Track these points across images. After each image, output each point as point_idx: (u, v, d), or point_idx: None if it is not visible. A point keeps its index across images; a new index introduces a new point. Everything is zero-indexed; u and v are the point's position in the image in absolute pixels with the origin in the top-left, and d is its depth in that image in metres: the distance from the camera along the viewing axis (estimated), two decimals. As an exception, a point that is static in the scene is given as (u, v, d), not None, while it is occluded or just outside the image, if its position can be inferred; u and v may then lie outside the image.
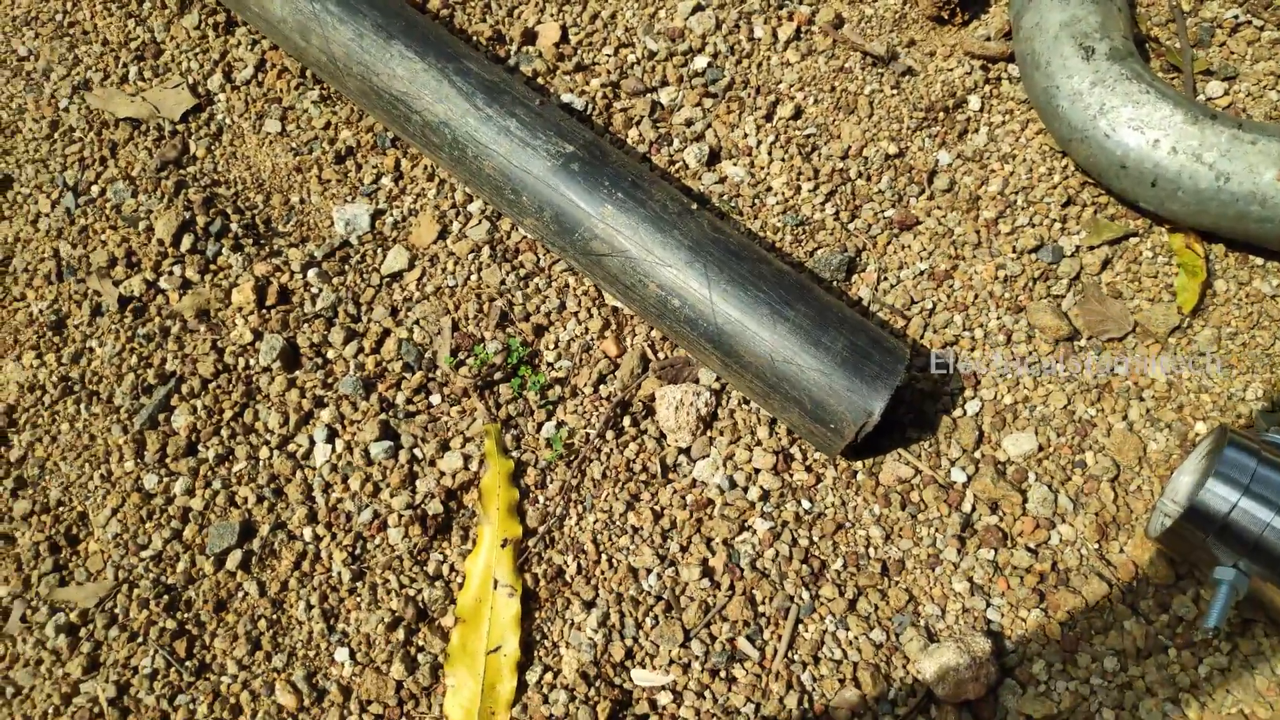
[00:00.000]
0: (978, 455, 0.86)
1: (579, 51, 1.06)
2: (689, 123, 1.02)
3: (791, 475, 0.86)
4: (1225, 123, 0.86)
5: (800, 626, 0.80)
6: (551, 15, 1.08)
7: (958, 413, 0.88)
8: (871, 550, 0.83)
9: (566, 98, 1.03)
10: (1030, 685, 0.77)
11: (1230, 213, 0.86)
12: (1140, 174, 0.88)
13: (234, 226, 0.98)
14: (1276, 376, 0.88)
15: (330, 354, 0.93)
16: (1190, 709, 0.74)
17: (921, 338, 0.91)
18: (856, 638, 0.80)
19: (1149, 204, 0.90)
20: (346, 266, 0.97)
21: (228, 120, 1.05)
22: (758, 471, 0.86)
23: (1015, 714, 0.76)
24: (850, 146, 0.99)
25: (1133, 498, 0.83)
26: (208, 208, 0.98)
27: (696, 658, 0.80)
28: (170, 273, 0.96)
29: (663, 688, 0.79)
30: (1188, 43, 1.01)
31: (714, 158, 1.00)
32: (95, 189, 1.03)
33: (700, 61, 1.05)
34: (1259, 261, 0.92)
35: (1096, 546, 0.81)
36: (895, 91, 1.02)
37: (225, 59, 1.08)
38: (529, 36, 1.07)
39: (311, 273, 0.96)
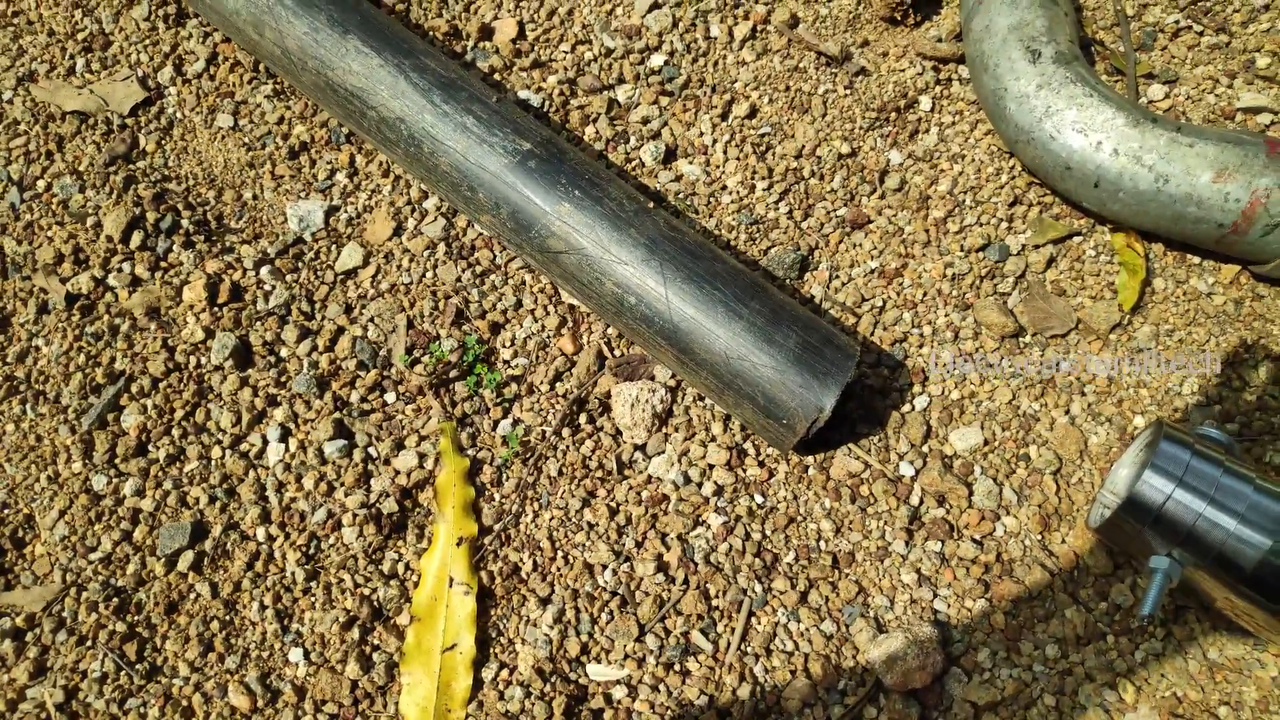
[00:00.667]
0: (925, 450, 0.88)
1: (536, 48, 1.06)
2: (645, 120, 1.02)
3: (745, 470, 0.87)
4: (1165, 126, 0.89)
5: (753, 619, 0.82)
6: (509, 11, 1.08)
7: (906, 408, 0.89)
8: (822, 543, 0.85)
9: (523, 94, 1.03)
10: (975, 673, 0.79)
11: (1169, 213, 0.89)
12: (1084, 175, 0.91)
13: (185, 223, 0.97)
14: (1211, 371, 0.91)
15: (283, 352, 0.92)
16: (1127, 693, 0.77)
17: (872, 334, 0.93)
18: (808, 629, 0.81)
19: (1092, 204, 0.93)
20: (300, 263, 0.96)
21: (179, 114, 1.03)
22: (712, 467, 0.88)
23: (960, 701, 0.78)
24: (804, 146, 1.01)
25: (1074, 490, 0.86)
26: (158, 204, 0.97)
27: (651, 652, 0.81)
28: (119, 270, 0.95)
29: (618, 682, 0.80)
30: (1131, 46, 1.04)
31: (670, 156, 1.01)
32: (41, 184, 1.01)
33: (657, 60, 1.05)
34: (1196, 260, 0.95)
35: (1039, 537, 0.84)
36: (849, 91, 1.04)
37: (176, 51, 1.06)
38: (486, 32, 1.07)
39: (264, 270, 0.95)
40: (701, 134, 1.02)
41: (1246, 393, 0.90)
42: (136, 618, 0.82)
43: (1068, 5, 0.98)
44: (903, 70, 1.05)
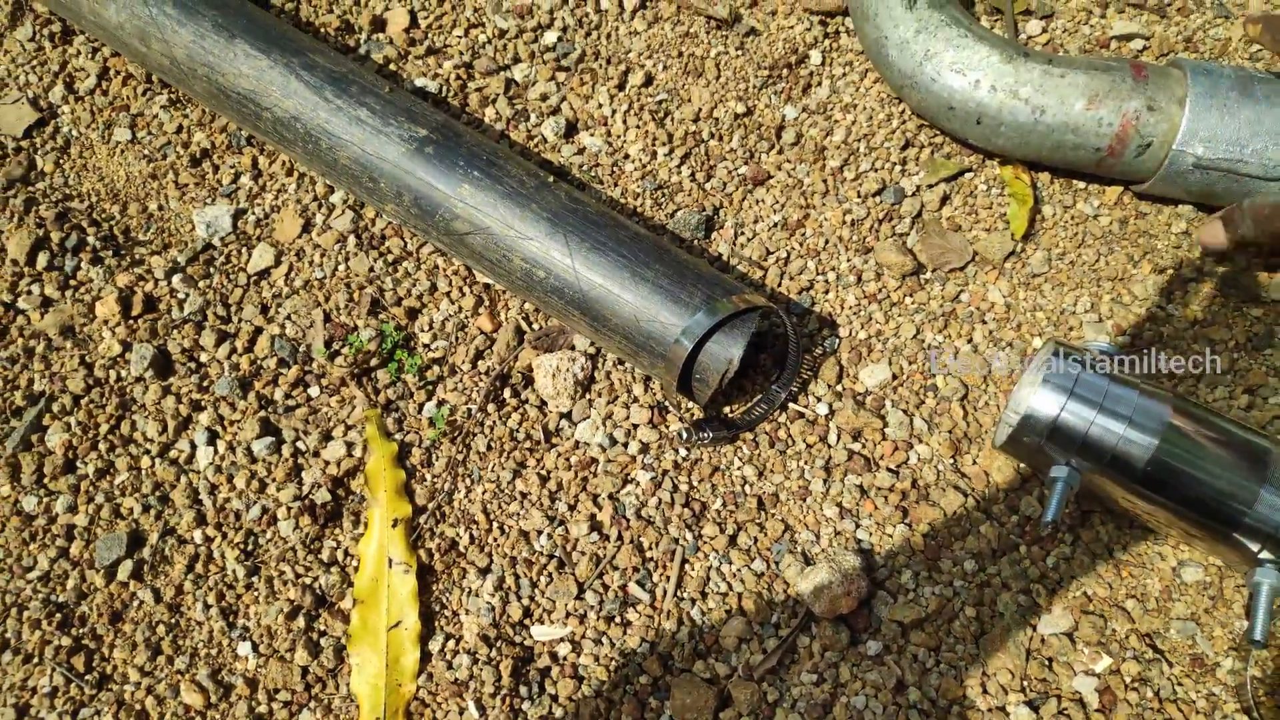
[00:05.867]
0: (839, 389, 0.91)
1: (429, 35, 1.07)
2: (544, 97, 1.04)
3: (668, 426, 0.90)
4: (1037, 59, 0.93)
5: (686, 566, 0.85)
6: (399, 1, 1.09)
7: (817, 351, 0.93)
8: (747, 488, 0.88)
9: (420, 82, 1.04)
10: (899, 594, 0.83)
11: (1049, 143, 0.93)
12: (966, 114, 0.94)
13: (91, 240, 0.96)
14: (1102, 289, 0.96)
15: (203, 357, 0.93)
16: (1040, 597, 0.82)
17: (779, 285, 0.96)
18: (739, 570, 0.85)
19: (977, 141, 0.96)
20: (212, 269, 0.96)
21: (75, 132, 1.03)
22: (636, 427, 0.90)
23: (888, 622, 0.82)
24: (701, 109, 1.03)
25: (981, 414, 0.90)
26: (61, 223, 0.96)
27: (591, 607, 0.84)
28: (29, 292, 0.94)
29: (562, 639, 0.83)
30: (1005, -14, 1.08)
31: (571, 130, 1.03)
32: (-60, 214, 1.00)
33: (550, 36, 1.07)
34: (1081, 185, 1.00)
35: (951, 461, 0.88)
36: (740, 52, 1.06)
37: (65, 69, 1.05)
38: (378, 24, 1.07)
39: (176, 278, 0.95)
40: (600, 106, 1.04)
41: (1135, 306, 0.95)
42: (81, 630, 0.83)
43: (939, -50, 1.02)
44: (791, 27, 1.08)
